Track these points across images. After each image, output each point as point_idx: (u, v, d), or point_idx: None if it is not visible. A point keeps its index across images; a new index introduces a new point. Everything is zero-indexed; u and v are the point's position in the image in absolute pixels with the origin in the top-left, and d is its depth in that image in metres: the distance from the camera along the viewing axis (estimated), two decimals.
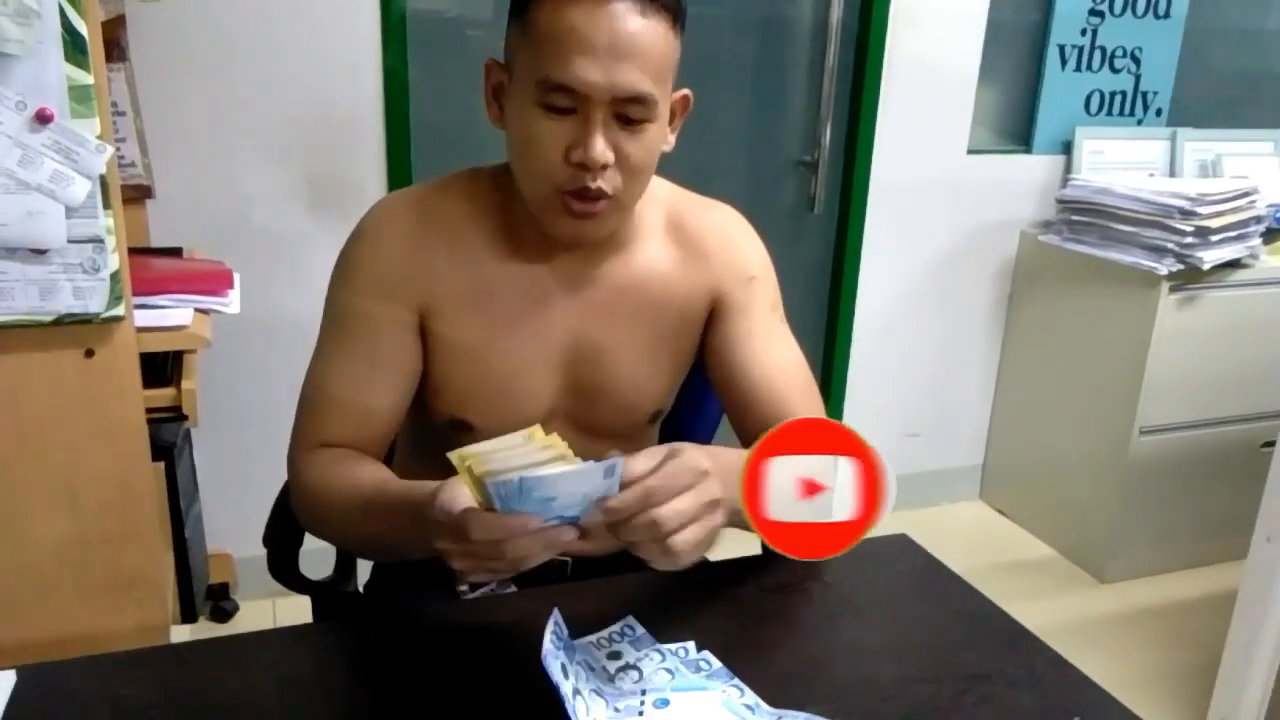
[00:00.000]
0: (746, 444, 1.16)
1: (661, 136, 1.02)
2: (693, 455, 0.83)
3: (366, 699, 0.88)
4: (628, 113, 0.96)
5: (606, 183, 0.98)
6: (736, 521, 0.87)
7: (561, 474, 0.74)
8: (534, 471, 0.74)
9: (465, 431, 1.12)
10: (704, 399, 1.34)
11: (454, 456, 0.75)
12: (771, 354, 1.15)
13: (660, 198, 1.14)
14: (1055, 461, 2.80)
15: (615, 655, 0.90)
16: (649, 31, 0.94)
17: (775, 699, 0.86)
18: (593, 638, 0.92)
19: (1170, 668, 2.28)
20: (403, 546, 0.91)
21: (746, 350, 1.14)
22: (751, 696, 0.86)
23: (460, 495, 0.80)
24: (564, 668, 0.80)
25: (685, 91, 1.06)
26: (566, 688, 0.78)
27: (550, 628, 0.79)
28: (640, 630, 0.94)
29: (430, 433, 1.15)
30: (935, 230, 2.78)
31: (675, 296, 1.13)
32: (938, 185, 2.72)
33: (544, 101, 0.96)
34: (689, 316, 1.15)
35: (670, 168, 1.20)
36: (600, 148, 0.96)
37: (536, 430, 0.78)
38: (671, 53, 0.98)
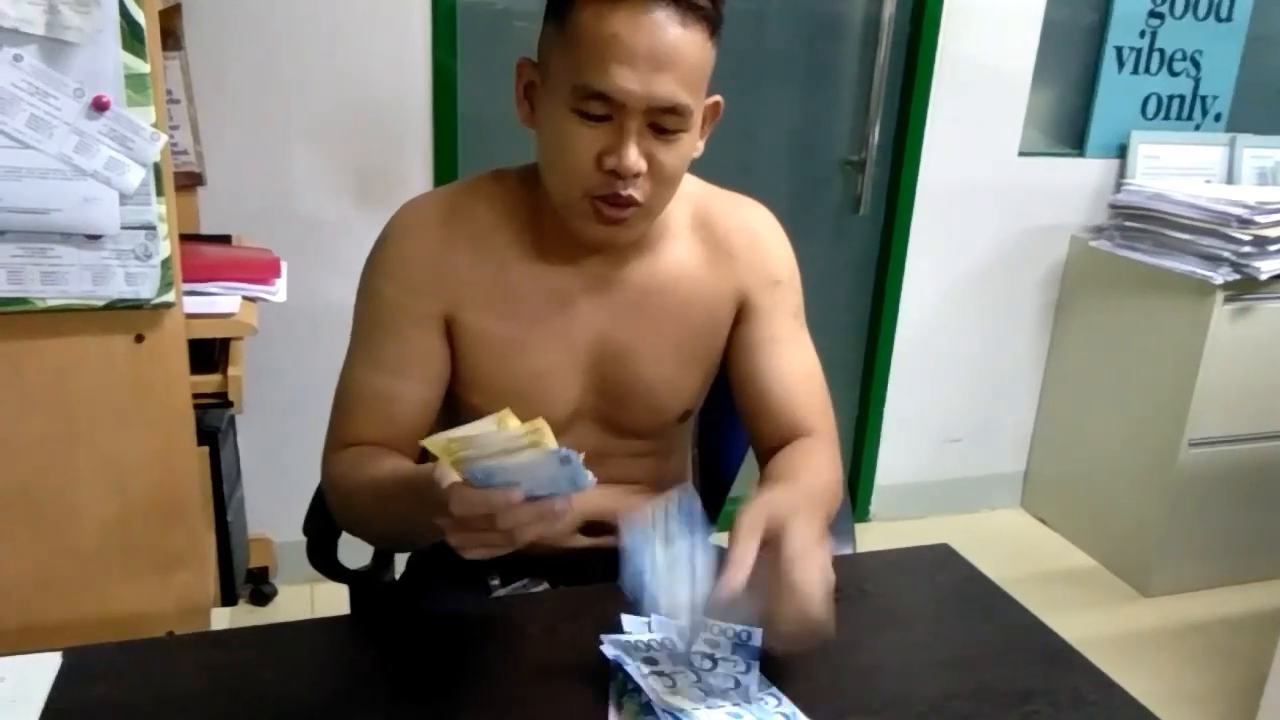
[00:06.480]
0: (755, 445, 1.16)
1: (693, 144, 1.02)
2: (801, 528, 0.84)
3: (403, 692, 0.88)
4: (662, 122, 0.96)
5: (637, 190, 0.98)
6: None
7: (520, 464, 0.74)
8: (494, 460, 0.74)
9: None
10: None
11: (428, 443, 0.76)
12: (789, 362, 1.14)
13: (688, 194, 1.12)
14: (1100, 471, 2.74)
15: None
16: (688, 41, 0.94)
17: (813, 710, 0.86)
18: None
19: (1213, 685, 2.23)
20: (416, 529, 0.90)
21: (765, 356, 1.13)
22: (789, 706, 0.86)
23: (448, 471, 0.79)
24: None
25: (717, 98, 1.05)
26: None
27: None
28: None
29: None
30: (983, 233, 2.74)
31: (702, 296, 1.12)
32: (987, 187, 2.68)
33: (579, 107, 0.95)
34: (716, 316, 1.14)
35: (716, 164, 1.18)
36: (634, 157, 0.95)
37: (507, 416, 0.77)
38: (708, 62, 0.98)
